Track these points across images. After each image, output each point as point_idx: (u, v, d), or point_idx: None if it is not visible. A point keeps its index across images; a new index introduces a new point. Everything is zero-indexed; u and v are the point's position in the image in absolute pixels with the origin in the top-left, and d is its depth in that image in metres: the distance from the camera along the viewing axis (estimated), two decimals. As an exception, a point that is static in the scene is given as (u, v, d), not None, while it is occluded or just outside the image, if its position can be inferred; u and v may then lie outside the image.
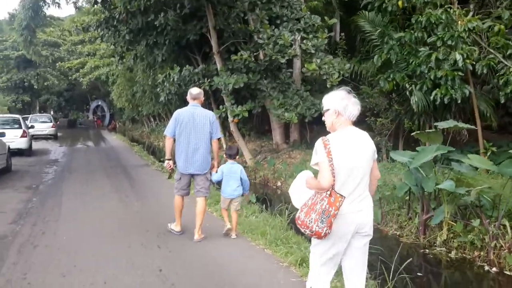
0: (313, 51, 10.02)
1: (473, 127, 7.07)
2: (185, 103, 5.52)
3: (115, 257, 4.66)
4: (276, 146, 13.83)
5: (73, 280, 4.03)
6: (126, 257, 4.67)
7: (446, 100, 7.98)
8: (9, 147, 11.54)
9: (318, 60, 9.90)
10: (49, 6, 20.14)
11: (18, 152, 14.32)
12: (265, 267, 4.40)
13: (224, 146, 12.66)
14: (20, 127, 15.03)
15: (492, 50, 7.94)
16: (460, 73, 7.87)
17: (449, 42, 7.74)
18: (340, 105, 2.71)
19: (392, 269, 4.22)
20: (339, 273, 2.96)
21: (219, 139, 5.42)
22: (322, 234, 2.57)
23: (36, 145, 18.33)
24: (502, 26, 7.74)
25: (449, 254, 5.71)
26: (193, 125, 5.11)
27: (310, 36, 10.32)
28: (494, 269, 5.23)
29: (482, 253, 5.49)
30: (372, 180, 2.82)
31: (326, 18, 11.03)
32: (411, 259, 5.05)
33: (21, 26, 21.03)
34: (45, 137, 23.86)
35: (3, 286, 3.90)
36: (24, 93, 42.45)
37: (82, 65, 36.32)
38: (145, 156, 15.47)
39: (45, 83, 41.65)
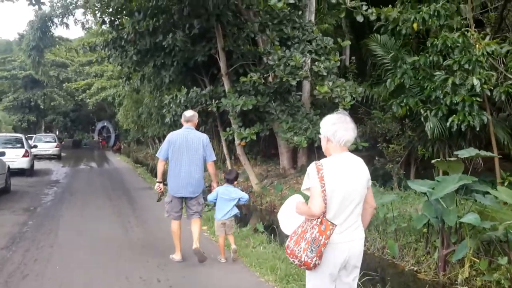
0: (325, 74, 9.81)
1: (495, 155, 6.71)
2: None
3: (110, 292, 4.27)
4: (283, 171, 13.44)
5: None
6: (123, 291, 4.28)
7: (463, 127, 7.67)
8: (9, 167, 11.30)
9: (330, 83, 9.67)
10: (57, 26, 20.17)
11: (19, 172, 14.08)
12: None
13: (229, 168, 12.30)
14: (23, 147, 14.90)
15: (510, 76, 7.67)
16: (478, 99, 7.57)
17: (466, 66, 7.48)
18: (329, 131, 2.61)
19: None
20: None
21: (215, 162, 5.41)
22: (311, 265, 2.44)
23: (38, 165, 18.18)
24: (521, 51, 7.49)
25: (473, 294, 5.27)
26: (186, 148, 5.05)
27: (322, 58, 10.14)
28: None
29: (510, 294, 5.04)
30: (367, 209, 2.71)
31: (339, 40, 10.88)
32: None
33: (29, 46, 21.00)
34: (49, 157, 23.77)
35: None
36: (30, 112, 42.54)
37: (89, 86, 36.52)
38: (148, 178, 15.13)
39: (51, 103, 41.80)
